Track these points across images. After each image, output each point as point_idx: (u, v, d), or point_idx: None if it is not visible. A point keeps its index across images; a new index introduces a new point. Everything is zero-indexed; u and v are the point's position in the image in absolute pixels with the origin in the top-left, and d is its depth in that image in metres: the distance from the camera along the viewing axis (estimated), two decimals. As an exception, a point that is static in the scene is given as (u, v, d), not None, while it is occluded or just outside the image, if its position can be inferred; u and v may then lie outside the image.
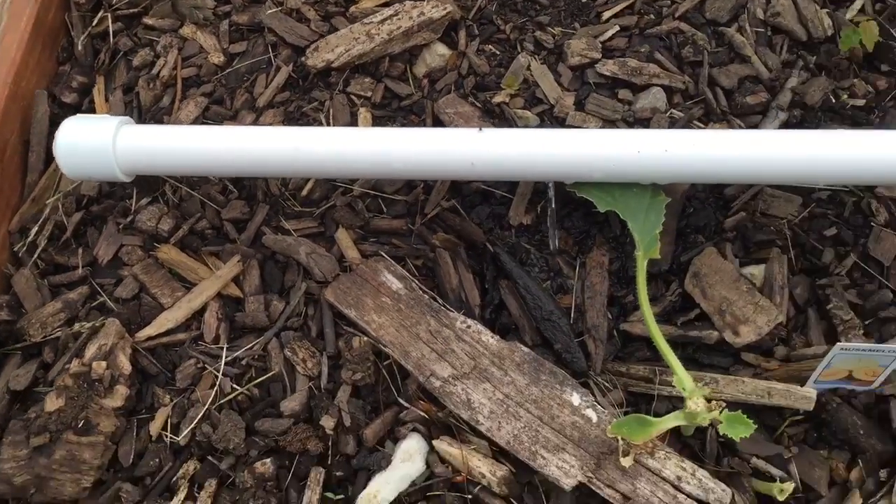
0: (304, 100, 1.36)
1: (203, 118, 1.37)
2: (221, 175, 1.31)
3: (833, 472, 1.08)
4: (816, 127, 1.24)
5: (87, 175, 1.21)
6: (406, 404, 1.14)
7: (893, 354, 1.01)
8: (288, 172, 1.22)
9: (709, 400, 1.01)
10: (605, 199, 1.14)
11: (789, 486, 1.02)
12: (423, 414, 1.13)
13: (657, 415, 1.10)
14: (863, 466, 1.07)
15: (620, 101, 1.28)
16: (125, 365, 1.18)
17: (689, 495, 1.03)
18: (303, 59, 1.36)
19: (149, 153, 1.18)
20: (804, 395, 1.07)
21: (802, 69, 1.29)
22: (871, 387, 1.08)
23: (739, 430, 0.98)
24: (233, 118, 1.36)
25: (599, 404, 1.10)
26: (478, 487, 1.08)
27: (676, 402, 1.11)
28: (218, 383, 1.18)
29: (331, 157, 1.14)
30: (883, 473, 1.07)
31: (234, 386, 1.18)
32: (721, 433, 0.99)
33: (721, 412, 0.99)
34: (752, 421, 0.98)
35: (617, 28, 1.34)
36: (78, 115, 1.23)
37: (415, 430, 1.13)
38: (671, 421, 1.03)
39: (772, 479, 1.06)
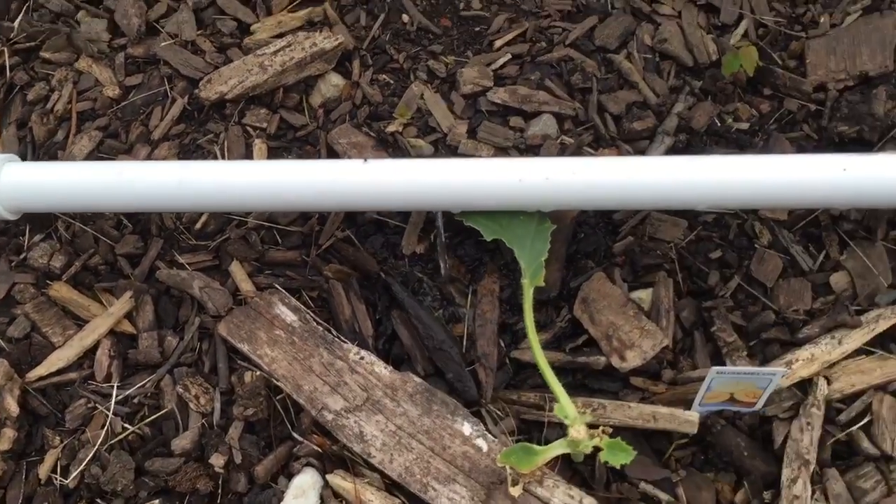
0: (200, 132, 1.35)
1: (97, 152, 1.35)
2: (108, 211, 1.29)
3: (719, 494, 1.09)
4: (702, 151, 1.26)
5: (-29, 214, 1.19)
6: (300, 438, 1.13)
7: (769, 377, 1.02)
8: (171, 207, 1.21)
9: (593, 426, 1.02)
10: (492, 228, 1.14)
11: (673, 511, 1.03)
12: (316, 448, 1.12)
13: (548, 442, 1.09)
14: (748, 488, 1.08)
15: (512, 129, 1.28)
16: (13, 407, 1.16)
17: (576, 523, 1.04)
18: (197, 91, 1.35)
19: (33, 191, 1.17)
20: (687, 419, 1.08)
21: (689, 94, 1.31)
22: (754, 408, 1.09)
23: (620, 456, 0.98)
24: (128, 152, 1.35)
25: (490, 433, 1.10)
26: (371, 521, 1.07)
27: (567, 430, 1.11)
28: (108, 423, 1.16)
29: (214, 191, 1.14)
30: (767, 495, 1.07)
31: (125, 425, 1.16)
32: (603, 460, 0.99)
33: (602, 439, 0.99)
34: (633, 447, 0.98)
35: (509, 56, 1.35)
36: (-40, 153, 1.20)
37: (309, 464, 1.12)
38: (555, 449, 1.03)
39: (659, 503, 1.07)
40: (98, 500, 1.12)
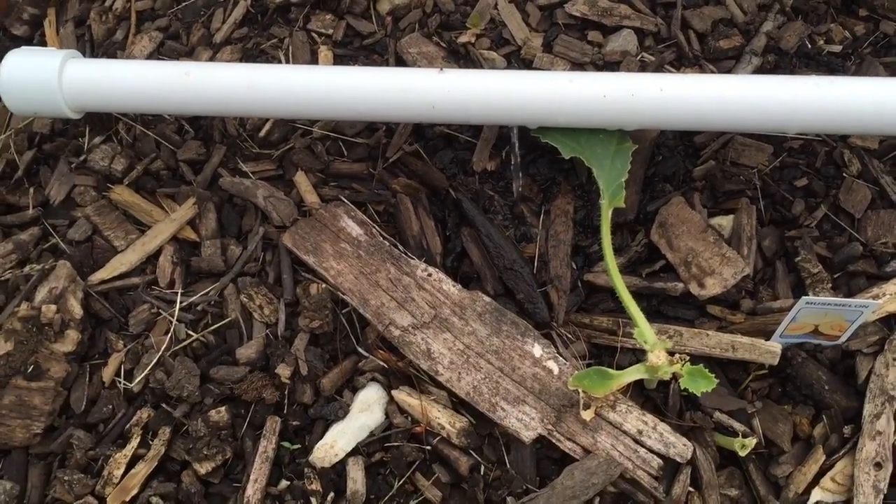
0: (263, 36, 1.30)
1: (158, 54, 1.32)
2: (173, 113, 1.26)
3: (797, 427, 1.07)
4: (791, 74, 1.20)
5: (34, 111, 1.16)
6: (365, 353, 1.12)
7: (860, 309, 0.98)
8: (240, 112, 1.17)
9: (671, 353, 0.99)
10: (570, 146, 1.10)
11: (751, 442, 1.01)
12: (382, 363, 1.10)
13: (620, 367, 1.07)
14: (826, 422, 1.06)
15: (590, 44, 1.23)
16: (76, 309, 1.15)
17: (650, 449, 1.02)
18: (262, -8, 1.30)
19: (97, 89, 1.13)
20: (769, 350, 1.05)
21: (778, 12, 1.25)
22: (838, 342, 1.06)
23: (701, 384, 0.96)
24: (189, 54, 1.31)
25: (561, 356, 1.07)
26: (437, 439, 1.06)
27: (640, 355, 1.08)
28: (172, 329, 1.15)
29: (284, 97, 1.10)
30: (847, 430, 1.05)
31: (189, 332, 1.15)
32: (682, 387, 0.97)
33: (683, 366, 0.96)
34: (714, 375, 0.96)
35: (589, -34, 1.29)
36: (23, 47, 1.17)
37: (374, 379, 1.11)
38: (632, 374, 1.00)
39: (734, 433, 1.05)
40: (163, 405, 1.11)
